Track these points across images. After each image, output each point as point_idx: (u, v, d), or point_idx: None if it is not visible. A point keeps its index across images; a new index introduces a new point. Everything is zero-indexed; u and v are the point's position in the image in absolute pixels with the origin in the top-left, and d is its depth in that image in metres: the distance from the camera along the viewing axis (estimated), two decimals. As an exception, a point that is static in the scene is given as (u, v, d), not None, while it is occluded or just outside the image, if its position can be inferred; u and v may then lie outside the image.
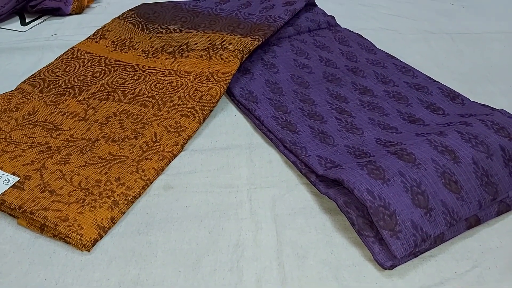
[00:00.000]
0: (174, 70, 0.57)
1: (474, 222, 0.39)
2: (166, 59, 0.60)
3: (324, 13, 0.73)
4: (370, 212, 0.36)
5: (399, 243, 0.35)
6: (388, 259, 0.35)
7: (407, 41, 0.70)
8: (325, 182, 0.42)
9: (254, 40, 0.59)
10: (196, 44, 0.61)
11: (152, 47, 0.63)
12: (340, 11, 0.79)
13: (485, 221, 0.40)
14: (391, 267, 0.35)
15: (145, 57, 0.61)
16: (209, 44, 0.60)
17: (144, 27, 0.67)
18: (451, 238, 0.38)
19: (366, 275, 0.35)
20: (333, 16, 0.73)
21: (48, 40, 0.67)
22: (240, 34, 0.61)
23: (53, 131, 0.47)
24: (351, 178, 0.38)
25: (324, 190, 0.41)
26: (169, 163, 0.45)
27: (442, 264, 0.36)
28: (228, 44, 0.58)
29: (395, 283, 0.35)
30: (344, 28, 0.71)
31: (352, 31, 0.70)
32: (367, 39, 0.67)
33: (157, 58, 0.60)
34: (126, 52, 0.62)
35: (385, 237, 0.35)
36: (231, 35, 0.61)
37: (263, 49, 0.63)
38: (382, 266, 0.35)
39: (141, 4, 0.75)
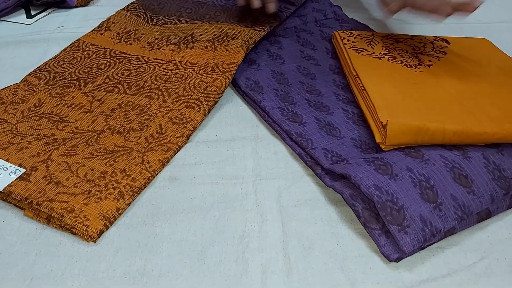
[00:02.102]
0: (179, 62, 0.57)
1: (485, 215, 0.38)
2: (171, 50, 0.60)
3: (330, 3, 0.72)
4: (378, 207, 0.35)
5: (408, 238, 0.34)
6: (394, 251, 0.35)
7: (414, 30, 0.69)
8: (331, 175, 0.41)
9: (260, 31, 0.59)
10: (201, 35, 0.61)
11: (157, 38, 0.63)
12: (346, 0, 0.78)
13: (496, 214, 0.39)
14: (397, 260, 0.35)
15: (150, 48, 0.61)
16: (214, 35, 0.60)
17: (149, 19, 0.67)
18: (460, 231, 0.38)
19: (372, 267, 0.35)
20: (340, 6, 0.72)
21: (54, 33, 0.67)
22: (245, 24, 0.61)
23: (59, 123, 0.48)
24: (358, 173, 0.37)
25: (329, 183, 0.40)
26: (175, 154, 0.45)
27: (449, 256, 0.36)
28: (233, 34, 0.58)
29: (402, 274, 0.35)
30: (351, 18, 0.70)
31: (359, 22, 0.69)
32: (373, 31, 0.66)
33: (162, 49, 0.60)
34: (131, 44, 0.62)
35: (393, 232, 0.35)
36: (236, 26, 0.60)
37: (269, 40, 0.63)
38: (388, 258, 0.35)
39: (146, -5, 0.75)
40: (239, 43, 0.56)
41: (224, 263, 0.35)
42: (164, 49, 0.60)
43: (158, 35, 0.63)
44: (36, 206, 0.38)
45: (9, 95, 0.51)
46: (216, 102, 0.51)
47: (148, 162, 0.43)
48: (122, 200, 0.39)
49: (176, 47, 0.60)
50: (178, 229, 0.38)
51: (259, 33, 0.58)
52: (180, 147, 0.46)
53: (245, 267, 0.35)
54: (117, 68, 0.56)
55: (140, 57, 0.59)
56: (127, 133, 0.46)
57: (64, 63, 0.58)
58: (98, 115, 0.49)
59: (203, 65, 0.56)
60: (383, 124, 0.41)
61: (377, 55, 0.54)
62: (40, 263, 0.35)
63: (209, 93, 0.51)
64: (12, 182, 0.39)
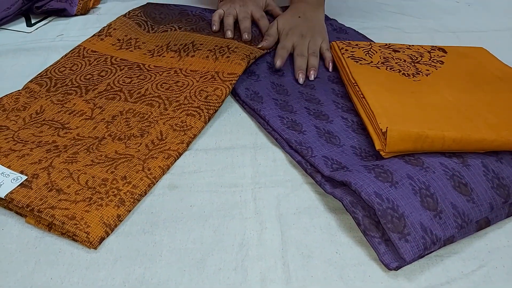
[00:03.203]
0: (179, 69, 0.58)
1: (484, 224, 0.39)
2: (171, 57, 0.60)
3: (326, 17, 0.73)
4: (378, 215, 0.36)
5: (408, 246, 0.34)
6: (394, 260, 0.35)
7: (412, 39, 0.69)
8: (331, 182, 0.42)
9: (260, 48, 0.60)
10: (202, 44, 0.61)
11: (158, 45, 0.63)
12: (344, 9, 0.78)
13: (495, 223, 0.39)
14: (397, 268, 0.35)
15: (151, 56, 0.61)
16: (216, 45, 0.60)
17: (150, 28, 0.67)
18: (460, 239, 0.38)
19: (371, 275, 0.35)
20: (335, 19, 0.73)
21: (54, 41, 0.68)
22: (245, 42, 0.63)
23: (60, 129, 0.48)
24: (358, 181, 0.38)
25: (330, 190, 0.41)
26: (175, 161, 0.45)
27: (448, 264, 0.36)
28: (235, 48, 0.59)
29: (401, 283, 0.35)
30: (349, 27, 0.70)
31: (357, 31, 0.69)
32: (372, 40, 0.67)
33: (162, 56, 0.61)
34: (132, 51, 0.62)
35: (393, 240, 0.35)
36: (236, 41, 0.62)
37: (268, 51, 0.63)
38: (388, 267, 0.35)
39: (148, 3, 0.76)
40: (241, 56, 0.57)
41: (223, 271, 0.36)
42: (165, 56, 0.61)
43: (158, 42, 0.64)
44: (37, 213, 0.38)
45: (10, 102, 0.52)
46: (216, 110, 0.51)
47: (149, 169, 0.43)
48: (123, 207, 0.39)
49: (177, 54, 0.61)
50: (177, 237, 0.38)
51: (259, 50, 0.60)
52: (180, 154, 0.46)
53: (244, 276, 0.35)
54: (118, 76, 0.56)
55: (141, 64, 0.59)
56: (127, 140, 0.46)
57: (65, 70, 0.58)
58: (99, 122, 0.49)
59: (203, 73, 0.56)
60: (382, 131, 0.42)
61: (375, 64, 0.55)
62: (40, 272, 0.35)
63: (209, 102, 0.51)
64: (13, 189, 0.39)
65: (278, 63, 0.58)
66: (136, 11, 0.71)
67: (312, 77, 0.57)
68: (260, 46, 0.62)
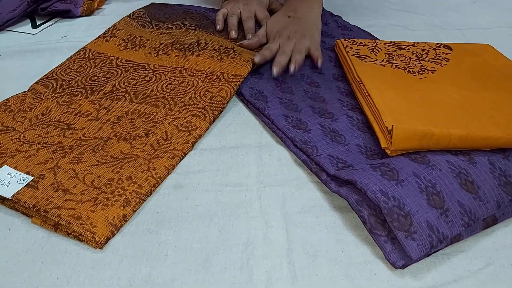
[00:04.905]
0: (184, 68, 0.58)
1: (491, 221, 0.38)
2: (176, 56, 0.60)
3: (331, 14, 0.73)
4: (384, 213, 0.35)
5: (415, 244, 0.34)
6: (400, 258, 0.35)
7: (417, 37, 0.69)
8: (336, 181, 0.41)
9: None
10: (207, 43, 0.61)
11: (162, 43, 0.63)
12: (348, 7, 0.78)
13: (502, 221, 0.39)
14: (403, 267, 0.35)
15: (156, 54, 0.61)
16: (221, 46, 0.60)
17: (155, 27, 0.68)
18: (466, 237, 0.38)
19: (377, 273, 0.35)
20: (340, 16, 0.72)
21: (59, 42, 0.68)
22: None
23: (66, 130, 0.48)
24: (364, 179, 0.38)
25: (335, 188, 0.40)
26: (180, 161, 0.45)
27: (455, 262, 0.36)
28: (240, 51, 0.59)
29: (407, 281, 0.35)
30: (353, 25, 0.70)
31: (362, 29, 0.69)
32: (376, 38, 0.67)
33: (167, 55, 0.61)
34: (137, 50, 0.62)
35: (399, 238, 0.34)
36: (241, 47, 0.61)
37: None
38: (394, 265, 0.35)
39: (151, 3, 0.76)
40: (246, 58, 0.57)
41: (229, 270, 0.36)
42: (169, 55, 0.61)
43: (163, 40, 0.64)
44: (43, 214, 0.38)
45: (17, 103, 0.52)
46: (221, 111, 0.51)
47: (154, 169, 0.43)
48: (128, 207, 0.39)
49: (182, 53, 0.61)
50: (183, 237, 0.38)
51: None
52: (185, 154, 0.46)
53: (250, 275, 0.35)
54: (124, 77, 0.57)
55: (146, 65, 0.59)
56: (133, 140, 0.46)
57: (71, 71, 0.58)
58: (104, 122, 0.49)
59: (208, 73, 0.56)
60: (388, 129, 0.42)
61: (380, 62, 0.55)
62: (46, 272, 0.35)
63: (214, 103, 0.51)
64: (20, 190, 0.40)
65: (257, 59, 0.56)
66: (141, 12, 0.71)
67: (292, 70, 0.54)
68: (240, 43, 0.61)
